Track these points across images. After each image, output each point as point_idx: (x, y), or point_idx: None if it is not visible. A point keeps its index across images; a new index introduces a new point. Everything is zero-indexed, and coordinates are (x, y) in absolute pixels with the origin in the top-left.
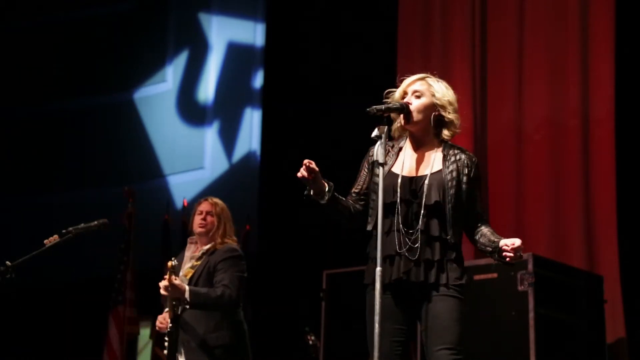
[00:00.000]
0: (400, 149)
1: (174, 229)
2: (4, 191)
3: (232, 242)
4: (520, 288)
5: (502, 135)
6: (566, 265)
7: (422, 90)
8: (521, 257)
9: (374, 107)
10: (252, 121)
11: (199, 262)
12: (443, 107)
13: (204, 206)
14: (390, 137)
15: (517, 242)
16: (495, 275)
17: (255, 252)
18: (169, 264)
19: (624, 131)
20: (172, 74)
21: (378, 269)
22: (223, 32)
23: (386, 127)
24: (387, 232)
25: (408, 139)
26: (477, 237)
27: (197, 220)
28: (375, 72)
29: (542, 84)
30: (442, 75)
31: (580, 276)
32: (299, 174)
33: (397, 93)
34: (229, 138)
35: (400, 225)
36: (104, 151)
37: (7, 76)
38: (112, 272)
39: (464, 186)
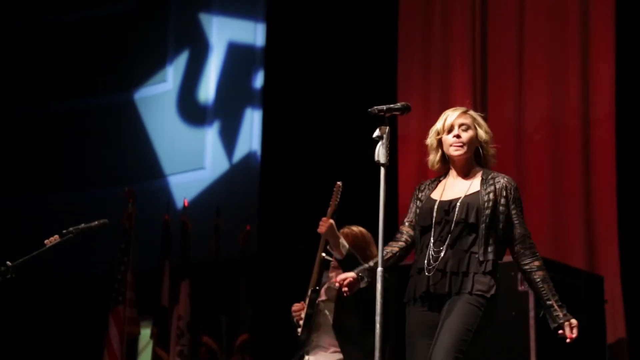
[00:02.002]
0: (440, 181)
1: (174, 229)
2: (4, 191)
3: None
4: (520, 288)
5: (503, 136)
6: (566, 265)
7: (469, 123)
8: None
9: (376, 107)
10: (252, 121)
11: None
12: (486, 141)
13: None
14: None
15: (575, 330)
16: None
17: (256, 253)
18: (338, 183)
19: (625, 131)
20: (172, 74)
21: (379, 269)
22: (223, 32)
23: (387, 127)
24: (420, 251)
25: (451, 170)
26: (529, 277)
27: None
28: (376, 72)
29: (542, 84)
30: (443, 78)
31: (580, 276)
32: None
33: (440, 125)
34: (229, 138)
35: (432, 244)
36: (105, 151)
37: (7, 76)
38: (113, 272)
39: (501, 207)
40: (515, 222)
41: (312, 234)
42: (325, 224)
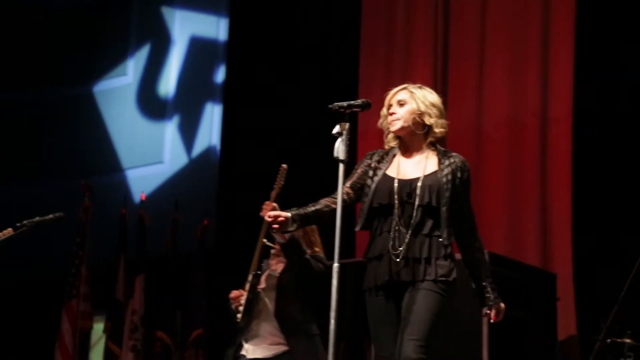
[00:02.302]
0: (395, 155)
1: (131, 223)
2: None
3: (317, 252)
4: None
5: (462, 133)
6: (521, 262)
7: (405, 98)
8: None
9: (336, 104)
10: (212, 116)
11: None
12: (423, 112)
13: None
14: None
15: (500, 315)
16: None
17: (213, 247)
18: (283, 166)
19: (581, 130)
20: (133, 67)
21: (335, 264)
22: (186, 27)
23: (347, 124)
24: (380, 234)
25: (401, 147)
26: (473, 255)
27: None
28: (337, 67)
29: (502, 82)
30: (404, 74)
31: (534, 274)
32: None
33: (384, 108)
34: (189, 133)
35: (397, 227)
36: (62, 144)
37: None
38: (67, 266)
39: (457, 189)
40: (466, 204)
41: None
42: (268, 207)
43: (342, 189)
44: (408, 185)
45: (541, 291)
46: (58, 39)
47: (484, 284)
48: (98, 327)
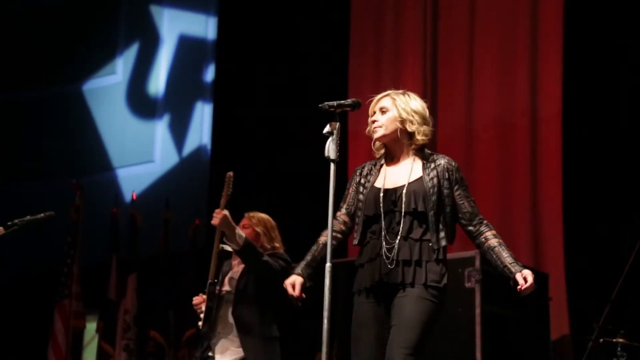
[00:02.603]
0: (382, 165)
1: (122, 222)
2: None
3: (278, 249)
4: (467, 285)
5: (452, 134)
6: None
7: (388, 105)
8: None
9: (326, 103)
10: (202, 115)
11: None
12: (405, 119)
13: (242, 222)
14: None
15: (529, 278)
16: None
17: (205, 247)
18: (228, 174)
19: (571, 130)
20: (122, 66)
21: (327, 264)
22: (175, 25)
23: (338, 123)
24: (369, 242)
25: (386, 154)
26: (483, 248)
27: None
28: (327, 67)
29: (491, 83)
30: (394, 74)
31: None
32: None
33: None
34: (179, 132)
35: (384, 236)
36: (53, 143)
37: None
38: (59, 266)
39: (445, 191)
40: (461, 202)
41: None
42: (218, 215)
43: (339, 216)
44: (393, 193)
45: (533, 291)
46: (47, 38)
47: (504, 262)
48: (91, 327)
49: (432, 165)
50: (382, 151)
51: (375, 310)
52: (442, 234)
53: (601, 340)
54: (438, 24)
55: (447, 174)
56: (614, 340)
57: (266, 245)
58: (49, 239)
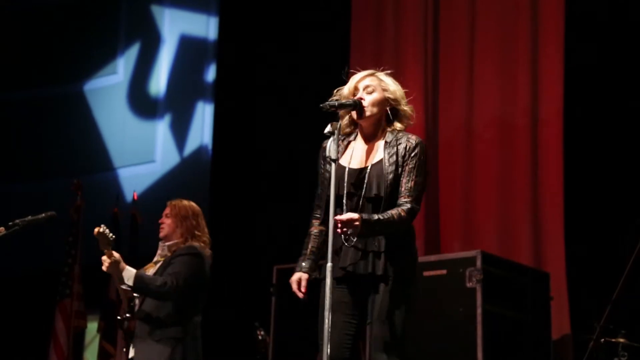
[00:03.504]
0: (349, 142)
1: (123, 222)
2: None
3: (195, 243)
4: (468, 284)
5: (453, 133)
6: (514, 262)
7: (374, 85)
8: (349, 233)
9: (327, 103)
10: (204, 115)
11: (162, 259)
12: (396, 100)
13: (165, 210)
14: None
15: (345, 216)
16: (444, 272)
17: None
18: (95, 230)
19: (572, 130)
20: (123, 66)
21: (329, 264)
22: (175, 25)
23: (339, 123)
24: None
25: (359, 133)
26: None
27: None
28: (327, 67)
29: (492, 83)
30: (395, 74)
31: (527, 273)
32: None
33: (346, 89)
34: (180, 132)
35: None
36: (53, 143)
37: None
38: (60, 265)
39: (399, 170)
40: (404, 178)
41: (262, 230)
42: (106, 263)
43: (318, 203)
44: (355, 175)
45: (534, 291)
46: (48, 38)
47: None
48: (92, 327)
49: (394, 145)
50: (348, 129)
51: (344, 298)
52: None
53: (602, 340)
54: (438, 23)
55: (405, 153)
56: (615, 340)
57: (178, 239)
58: (50, 239)
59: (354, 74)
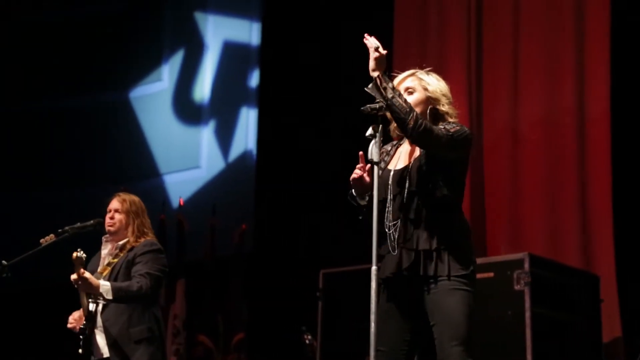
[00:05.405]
0: (399, 146)
1: (170, 228)
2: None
3: (149, 238)
4: (516, 287)
5: (498, 135)
6: (562, 264)
7: (414, 85)
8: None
9: (368, 105)
10: (248, 120)
11: (116, 260)
12: (437, 99)
13: (112, 204)
14: (389, 138)
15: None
16: (491, 274)
17: (252, 251)
18: (74, 255)
19: (620, 130)
20: (168, 73)
21: (373, 267)
22: (219, 31)
23: (380, 125)
24: (386, 229)
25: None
26: None
27: (107, 219)
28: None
29: (537, 83)
30: (438, 74)
31: (576, 275)
32: (356, 175)
33: None
34: (225, 137)
35: (391, 219)
36: (100, 150)
37: (6, 74)
38: None
39: (437, 165)
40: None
41: (308, 233)
42: (76, 281)
43: None
44: (399, 174)
45: (584, 293)
46: (94, 47)
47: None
48: None
49: None
50: (397, 132)
51: (397, 303)
52: (443, 214)
53: None
54: (482, 24)
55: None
56: None
57: (130, 236)
58: (98, 245)
59: (396, 76)
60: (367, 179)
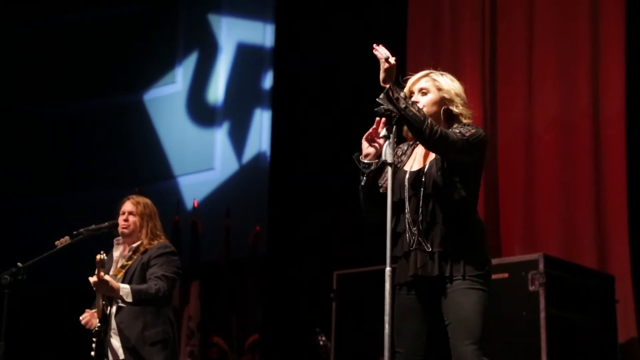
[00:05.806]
0: (415, 146)
1: (184, 229)
2: (14, 191)
3: (162, 240)
4: (531, 288)
5: (512, 136)
6: (577, 265)
7: (428, 86)
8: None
9: (381, 107)
10: (261, 122)
11: (130, 262)
12: (450, 100)
13: (126, 206)
14: (403, 139)
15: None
16: (506, 275)
17: (266, 253)
18: (97, 257)
19: (635, 130)
20: (181, 75)
21: (387, 268)
22: (232, 33)
23: (394, 126)
24: (402, 230)
25: None
26: None
27: (120, 221)
28: None
29: (552, 83)
30: (452, 76)
31: (591, 276)
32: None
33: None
34: (238, 139)
35: (408, 221)
36: (114, 152)
37: (21, 76)
38: None
39: (450, 168)
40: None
41: (322, 235)
42: (96, 283)
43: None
44: (414, 176)
45: (599, 294)
46: (108, 49)
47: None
48: None
49: None
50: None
51: (414, 305)
52: (459, 216)
53: None
54: (496, 23)
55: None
56: None
57: (143, 239)
58: (110, 246)
59: (409, 78)
60: (380, 141)
